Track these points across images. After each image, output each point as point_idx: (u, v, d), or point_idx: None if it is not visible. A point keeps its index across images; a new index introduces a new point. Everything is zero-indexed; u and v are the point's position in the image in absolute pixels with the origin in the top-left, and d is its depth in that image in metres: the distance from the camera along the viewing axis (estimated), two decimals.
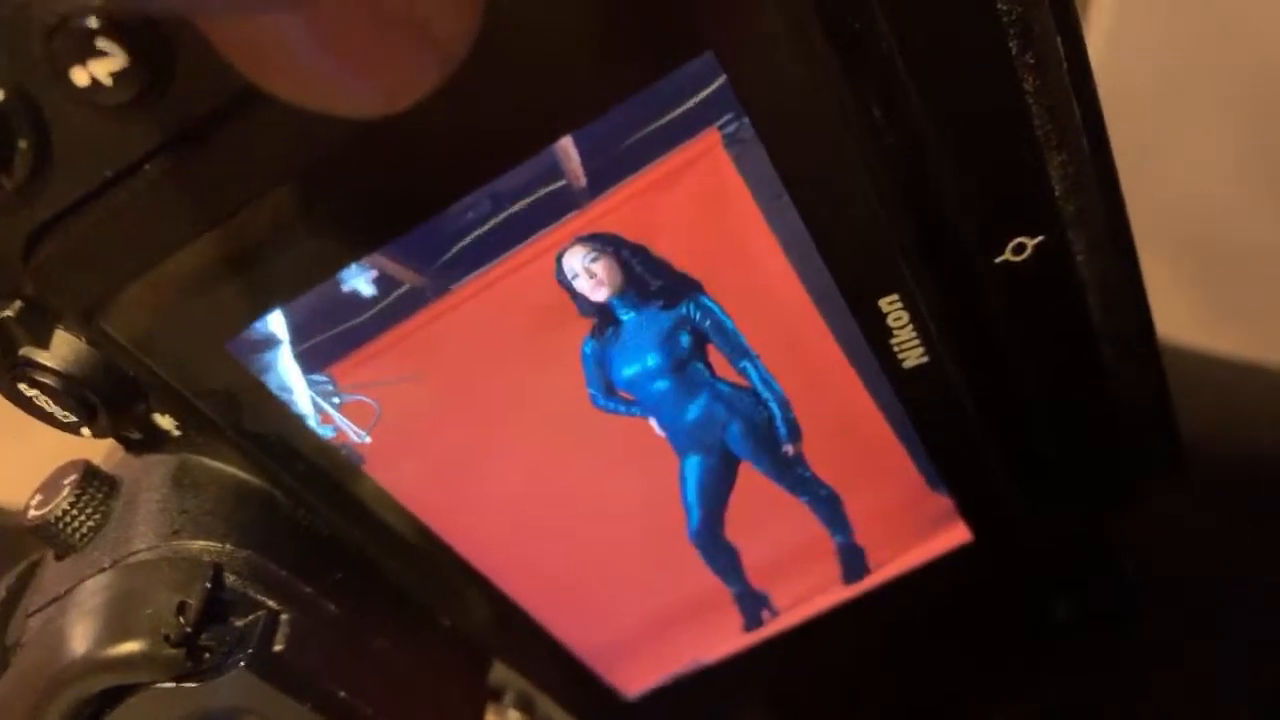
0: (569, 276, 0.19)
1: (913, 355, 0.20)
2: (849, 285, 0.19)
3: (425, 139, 0.16)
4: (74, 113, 0.15)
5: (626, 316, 0.20)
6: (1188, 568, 0.33)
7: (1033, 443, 0.23)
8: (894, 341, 0.20)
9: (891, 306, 0.20)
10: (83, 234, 0.16)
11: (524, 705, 0.26)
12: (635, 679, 0.26)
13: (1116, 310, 0.21)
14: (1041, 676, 0.32)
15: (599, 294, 0.19)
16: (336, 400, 0.20)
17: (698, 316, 0.20)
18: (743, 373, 0.21)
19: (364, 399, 0.20)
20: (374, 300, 0.18)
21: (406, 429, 0.20)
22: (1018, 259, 0.20)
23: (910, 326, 0.20)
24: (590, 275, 0.19)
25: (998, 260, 0.20)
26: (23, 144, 0.15)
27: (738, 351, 0.21)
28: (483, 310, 0.19)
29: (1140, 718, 0.33)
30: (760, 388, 0.21)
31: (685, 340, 0.21)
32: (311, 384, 0.19)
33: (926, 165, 0.18)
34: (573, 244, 0.18)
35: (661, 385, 0.21)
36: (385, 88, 0.14)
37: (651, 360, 0.21)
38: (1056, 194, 0.19)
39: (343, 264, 0.18)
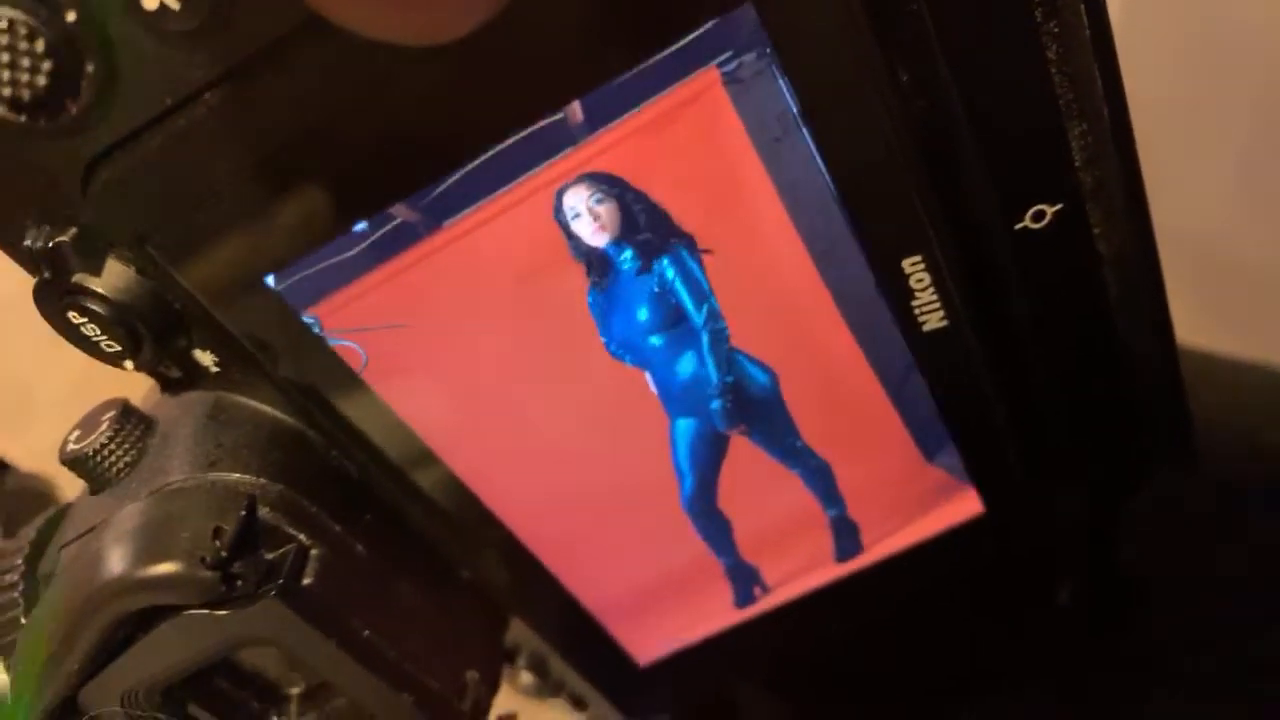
0: (569, 215, 0.19)
1: (933, 318, 0.21)
2: (874, 244, 0.20)
3: (485, 67, 0.17)
4: (140, 38, 0.16)
5: (624, 266, 0.20)
6: (1186, 566, 0.33)
7: (1045, 414, 0.23)
8: (915, 304, 0.21)
9: (915, 268, 0.20)
10: (140, 160, 0.17)
11: (537, 667, 0.26)
12: (644, 645, 0.26)
13: (1131, 282, 0.21)
14: (1042, 667, 0.33)
15: (599, 238, 0.19)
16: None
17: (671, 274, 0.20)
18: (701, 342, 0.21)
19: (351, 344, 0.20)
20: (363, 234, 0.18)
21: (395, 379, 0.21)
22: (1037, 226, 0.20)
23: (932, 289, 0.20)
24: (594, 217, 0.19)
25: (1018, 227, 0.20)
26: (90, 68, 0.16)
27: (710, 316, 0.21)
28: (473, 251, 0.19)
29: (1140, 714, 0.33)
30: (707, 356, 0.21)
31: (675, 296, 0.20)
32: None
33: (951, 130, 0.19)
34: (577, 181, 0.18)
35: (655, 342, 0.21)
36: (443, 14, 0.14)
37: (643, 314, 0.21)
38: (1076, 163, 0.20)
39: (387, 203, 0.18)
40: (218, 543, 0.18)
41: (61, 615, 0.19)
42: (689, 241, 0.20)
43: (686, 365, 0.22)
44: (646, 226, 0.19)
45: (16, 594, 0.22)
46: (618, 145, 0.18)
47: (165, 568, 0.18)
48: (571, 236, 0.19)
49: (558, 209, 0.19)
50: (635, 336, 0.21)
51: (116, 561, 0.18)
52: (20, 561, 0.22)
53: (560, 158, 0.18)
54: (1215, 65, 0.35)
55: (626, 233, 0.19)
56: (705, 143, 0.18)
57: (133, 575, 0.18)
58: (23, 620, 0.21)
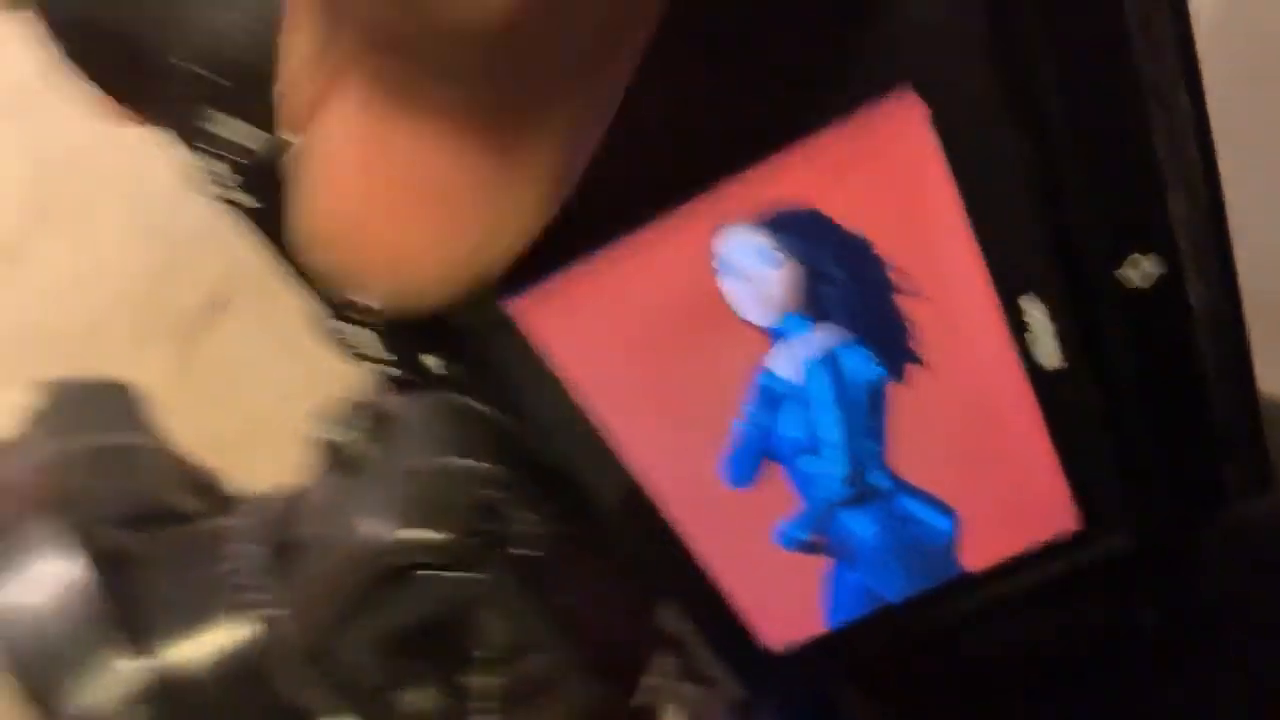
0: (722, 270, 0.17)
1: (1050, 358, 0.23)
2: (999, 280, 0.22)
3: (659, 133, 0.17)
4: None
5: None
6: (1252, 598, 0.35)
7: (1137, 447, 0.26)
8: (1028, 338, 0.23)
9: (1030, 305, 0.23)
10: None
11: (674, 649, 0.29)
12: (775, 631, 0.29)
13: (1218, 329, 0.24)
14: (1109, 687, 0.35)
15: (762, 313, 0.19)
16: None
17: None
18: None
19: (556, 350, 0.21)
20: None
21: (592, 387, 0.22)
22: (1134, 273, 0.23)
23: (1048, 328, 0.23)
24: (754, 282, 0.18)
25: (1117, 273, 0.23)
26: None
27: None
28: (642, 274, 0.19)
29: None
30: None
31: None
32: None
33: (1062, 177, 0.21)
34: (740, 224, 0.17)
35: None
36: None
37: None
38: (1171, 219, 0.23)
39: (622, 231, 0.20)
40: (468, 514, 0.21)
41: (324, 573, 0.22)
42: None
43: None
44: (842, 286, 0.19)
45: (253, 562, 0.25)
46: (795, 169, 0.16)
47: (430, 533, 0.21)
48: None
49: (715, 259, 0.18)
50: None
51: (380, 525, 0.22)
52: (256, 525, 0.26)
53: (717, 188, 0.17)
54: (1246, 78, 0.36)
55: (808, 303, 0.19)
56: (899, 178, 0.18)
57: (399, 536, 0.21)
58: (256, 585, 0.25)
